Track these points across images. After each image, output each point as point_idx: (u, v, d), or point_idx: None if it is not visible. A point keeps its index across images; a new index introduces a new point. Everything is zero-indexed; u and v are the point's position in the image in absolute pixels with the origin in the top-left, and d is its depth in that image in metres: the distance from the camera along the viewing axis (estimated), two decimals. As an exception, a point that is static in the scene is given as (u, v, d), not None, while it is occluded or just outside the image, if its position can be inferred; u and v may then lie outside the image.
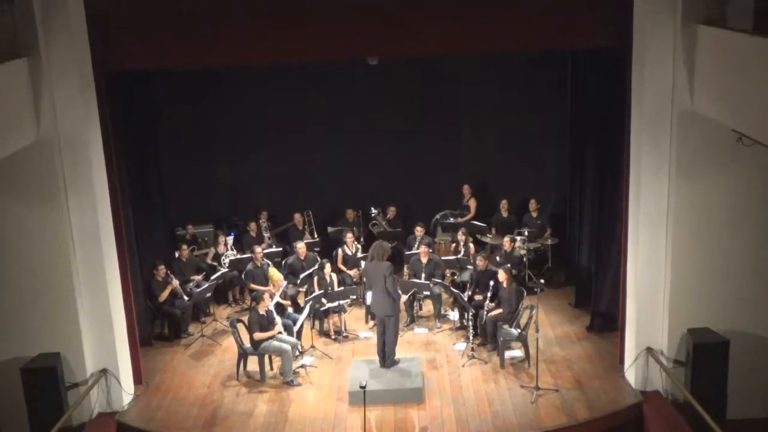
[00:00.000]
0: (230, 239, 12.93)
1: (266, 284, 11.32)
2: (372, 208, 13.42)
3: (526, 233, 12.49)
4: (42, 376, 8.74)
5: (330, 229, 13.54)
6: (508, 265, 11.12)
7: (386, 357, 9.93)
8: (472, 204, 13.70)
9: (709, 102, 8.16)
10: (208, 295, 11.56)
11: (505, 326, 10.20)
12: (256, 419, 9.23)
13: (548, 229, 12.94)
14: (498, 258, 11.91)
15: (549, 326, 11.21)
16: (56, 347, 9.00)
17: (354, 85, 13.16)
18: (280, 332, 10.05)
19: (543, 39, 9.11)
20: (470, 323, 10.65)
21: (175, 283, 11.25)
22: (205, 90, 13.17)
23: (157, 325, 11.60)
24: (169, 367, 10.60)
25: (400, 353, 10.19)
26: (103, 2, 8.67)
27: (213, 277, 11.69)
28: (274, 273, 11.12)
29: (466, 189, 13.78)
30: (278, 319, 10.14)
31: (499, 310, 10.41)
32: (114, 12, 8.72)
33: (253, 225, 13.13)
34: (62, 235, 8.87)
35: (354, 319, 11.76)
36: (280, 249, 12.72)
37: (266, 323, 9.96)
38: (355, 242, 12.70)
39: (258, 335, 9.87)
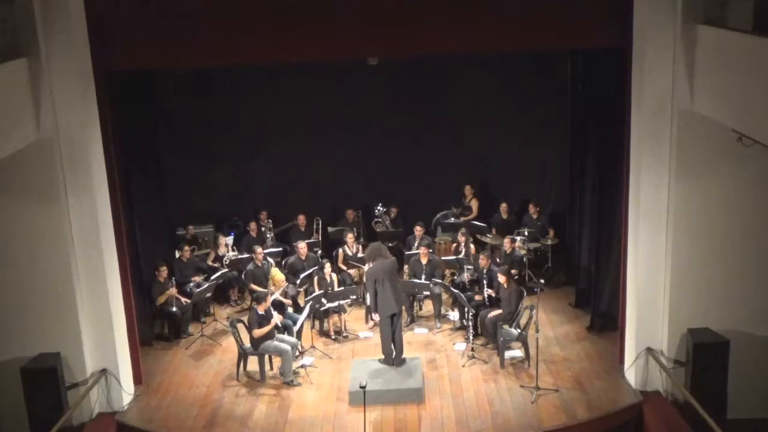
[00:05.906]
0: (230, 239, 12.93)
1: (266, 284, 11.32)
2: (378, 206, 13.40)
3: (526, 233, 12.49)
4: (42, 376, 8.74)
5: (330, 229, 13.54)
6: (506, 266, 11.11)
7: (399, 352, 9.96)
8: (474, 204, 13.70)
9: (709, 102, 8.15)
10: (208, 295, 11.56)
11: (505, 326, 10.20)
12: (256, 419, 9.23)
13: (551, 230, 12.93)
14: (498, 259, 11.91)
15: (549, 326, 11.21)
16: (56, 347, 9.00)
17: (354, 85, 13.15)
18: (277, 324, 10.07)
19: (543, 39, 9.11)
20: (470, 323, 10.65)
21: (173, 291, 11.24)
22: (205, 90, 13.18)
23: (157, 325, 11.59)
24: (169, 367, 10.60)
25: (400, 353, 10.22)
26: (103, 2, 8.68)
27: (213, 277, 11.70)
28: (276, 273, 11.12)
29: (467, 189, 13.79)
30: (275, 314, 10.15)
31: (499, 311, 10.41)
32: (114, 12, 8.73)
33: (253, 225, 13.11)
34: (62, 235, 8.87)
35: (354, 319, 11.75)
36: (281, 249, 12.72)
37: (266, 323, 9.96)
38: (356, 242, 12.70)
39: (257, 332, 9.87)
